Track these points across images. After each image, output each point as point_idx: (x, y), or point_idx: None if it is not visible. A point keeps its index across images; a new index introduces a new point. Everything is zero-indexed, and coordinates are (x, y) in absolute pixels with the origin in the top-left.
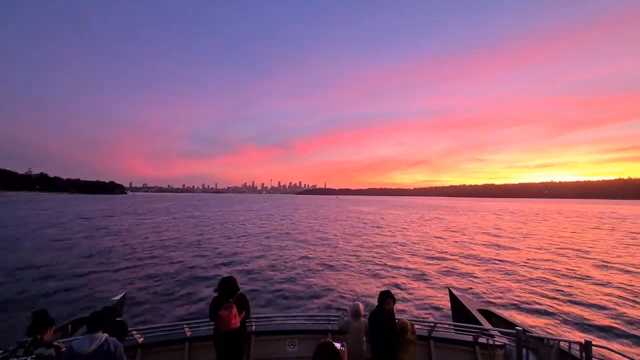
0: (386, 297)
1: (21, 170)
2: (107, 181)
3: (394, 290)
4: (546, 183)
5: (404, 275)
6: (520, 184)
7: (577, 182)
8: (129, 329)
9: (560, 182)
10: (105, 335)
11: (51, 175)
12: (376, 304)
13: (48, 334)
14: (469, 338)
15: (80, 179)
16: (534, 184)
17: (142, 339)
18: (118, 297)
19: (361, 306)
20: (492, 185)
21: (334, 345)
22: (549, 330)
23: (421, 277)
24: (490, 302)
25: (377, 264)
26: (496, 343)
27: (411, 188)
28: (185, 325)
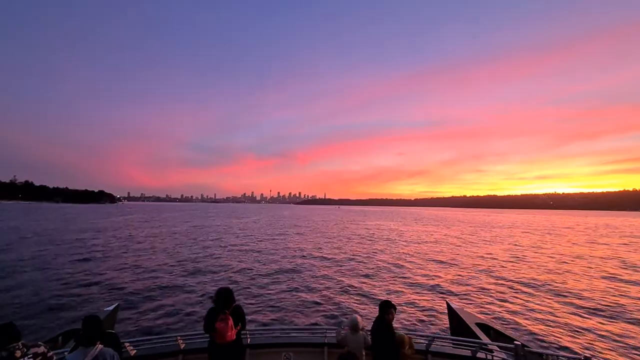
0: (389, 307)
1: (9, 178)
2: (96, 190)
3: None
4: (550, 194)
5: None
6: (523, 195)
7: (581, 194)
8: (121, 340)
9: (563, 193)
10: (100, 346)
11: (37, 183)
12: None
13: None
14: (467, 352)
15: (69, 188)
16: (538, 195)
17: (135, 351)
18: (110, 308)
19: (359, 319)
20: (495, 196)
21: (355, 355)
22: (547, 345)
23: None
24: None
25: None
26: (495, 358)
27: (412, 199)
28: (179, 338)
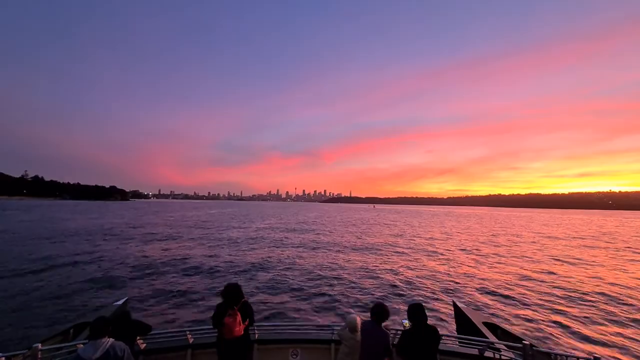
0: (423, 310)
1: (42, 175)
2: (107, 185)
3: None
4: (605, 193)
5: None
6: (571, 194)
7: None
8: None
9: (620, 191)
10: (111, 340)
11: (63, 180)
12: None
13: None
14: (475, 352)
15: (80, 183)
16: (590, 193)
17: (145, 344)
18: (120, 302)
19: (358, 320)
20: (537, 194)
21: (384, 305)
22: (556, 345)
23: None
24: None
25: None
26: (502, 357)
27: (445, 197)
28: (188, 332)
